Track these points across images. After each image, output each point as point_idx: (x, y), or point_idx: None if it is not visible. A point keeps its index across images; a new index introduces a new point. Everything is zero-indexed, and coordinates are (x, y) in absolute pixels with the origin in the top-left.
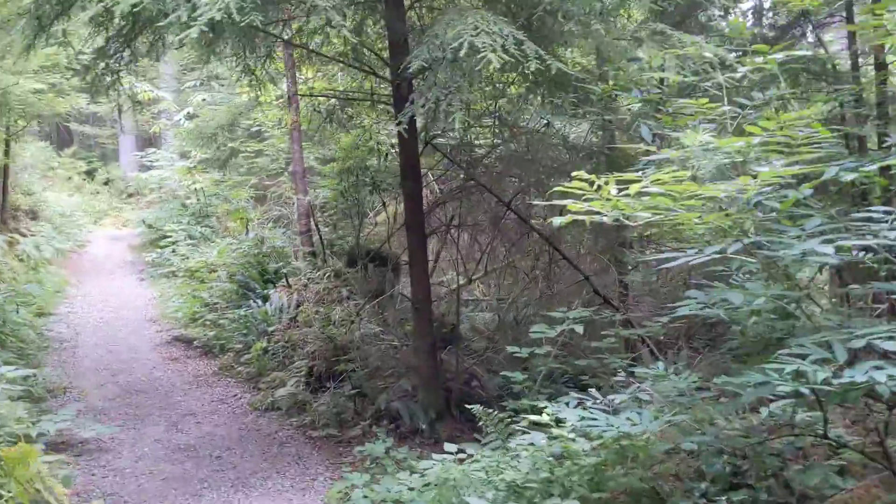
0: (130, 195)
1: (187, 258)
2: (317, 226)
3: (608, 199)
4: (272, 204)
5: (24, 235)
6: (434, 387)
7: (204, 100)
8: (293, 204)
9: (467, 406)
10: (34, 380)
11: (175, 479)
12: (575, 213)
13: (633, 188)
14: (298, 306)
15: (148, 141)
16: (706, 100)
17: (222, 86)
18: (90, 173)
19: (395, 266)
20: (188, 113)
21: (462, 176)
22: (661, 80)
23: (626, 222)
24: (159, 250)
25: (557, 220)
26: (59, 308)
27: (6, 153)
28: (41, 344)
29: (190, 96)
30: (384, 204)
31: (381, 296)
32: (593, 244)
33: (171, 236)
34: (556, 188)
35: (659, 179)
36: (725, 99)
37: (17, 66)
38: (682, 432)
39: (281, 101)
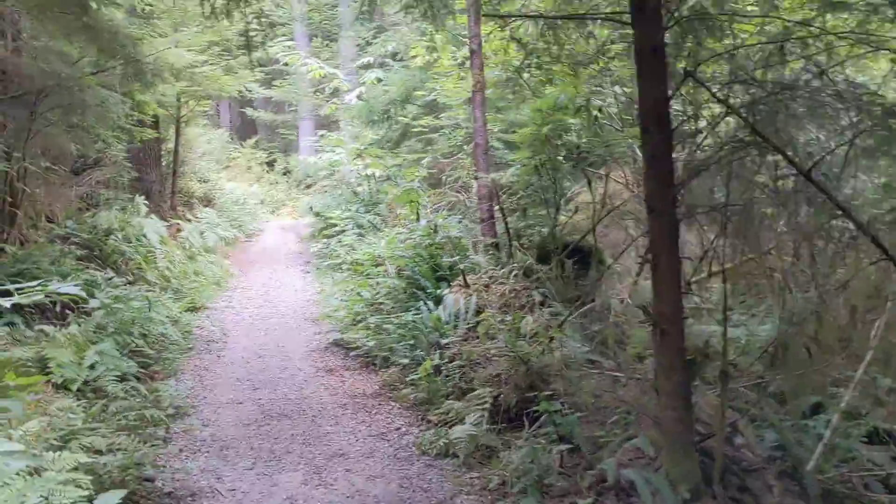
0: (308, 186)
1: (353, 249)
2: (502, 210)
3: None
4: (447, 188)
5: (190, 222)
6: (685, 448)
7: (378, 79)
8: (471, 188)
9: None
10: (158, 395)
11: None
12: None
13: None
14: (478, 312)
15: (325, 125)
16: None
17: (401, 64)
18: (271, 164)
19: (597, 263)
20: (360, 93)
21: (733, 128)
22: None
23: None
24: (325, 240)
25: None
26: (215, 301)
27: (176, 137)
28: (184, 345)
29: (363, 76)
30: (589, 182)
31: (581, 302)
32: None
33: (337, 225)
34: None
35: None
36: None
37: (187, 42)
38: None
39: (460, 60)
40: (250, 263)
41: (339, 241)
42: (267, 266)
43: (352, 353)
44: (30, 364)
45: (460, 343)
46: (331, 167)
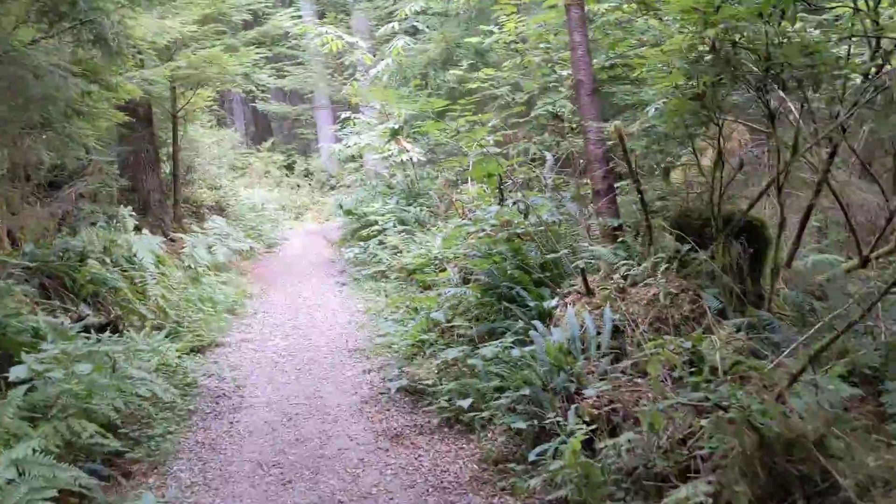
0: (333, 187)
1: (400, 252)
2: (634, 173)
3: None
4: (515, 162)
5: (197, 235)
6: None
7: (405, 46)
8: (546, 160)
9: None
10: None
11: None
12: None
13: None
14: (617, 331)
15: (346, 109)
16: None
17: (428, 28)
18: (290, 167)
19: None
20: (387, 65)
21: None
22: None
23: None
24: (362, 243)
25: None
26: (228, 334)
27: (174, 136)
28: (182, 408)
29: (386, 46)
30: (772, 117)
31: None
32: None
33: (376, 223)
34: None
35: None
36: None
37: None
38: None
39: None
40: (273, 279)
41: (381, 244)
42: (294, 280)
43: (423, 403)
44: None
45: (614, 389)
46: (358, 152)
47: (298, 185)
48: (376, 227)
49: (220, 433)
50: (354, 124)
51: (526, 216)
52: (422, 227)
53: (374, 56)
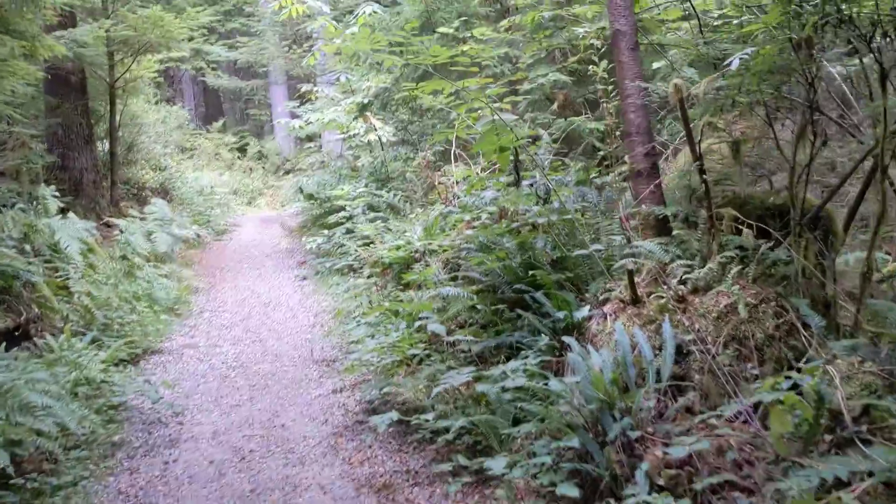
0: (288, 171)
1: (372, 243)
2: (693, 143)
3: None
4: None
5: (136, 221)
6: None
7: (374, 12)
8: (546, 132)
9: None
10: None
11: None
12: None
13: None
14: (682, 355)
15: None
16: None
17: None
18: (242, 150)
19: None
20: (353, 34)
21: None
22: None
23: None
24: (326, 232)
25: None
26: (168, 339)
27: (111, 108)
28: (103, 441)
29: (352, 17)
30: (884, 77)
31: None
32: None
33: (343, 209)
34: None
35: None
36: None
37: None
38: None
39: None
40: (222, 272)
41: (349, 232)
42: (246, 274)
43: (415, 438)
44: None
45: (701, 434)
46: (322, 131)
47: (251, 169)
48: (343, 214)
49: (152, 478)
50: (315, 99)
51: (546, 202)
52: (396, 215)
53: (339, 25)
